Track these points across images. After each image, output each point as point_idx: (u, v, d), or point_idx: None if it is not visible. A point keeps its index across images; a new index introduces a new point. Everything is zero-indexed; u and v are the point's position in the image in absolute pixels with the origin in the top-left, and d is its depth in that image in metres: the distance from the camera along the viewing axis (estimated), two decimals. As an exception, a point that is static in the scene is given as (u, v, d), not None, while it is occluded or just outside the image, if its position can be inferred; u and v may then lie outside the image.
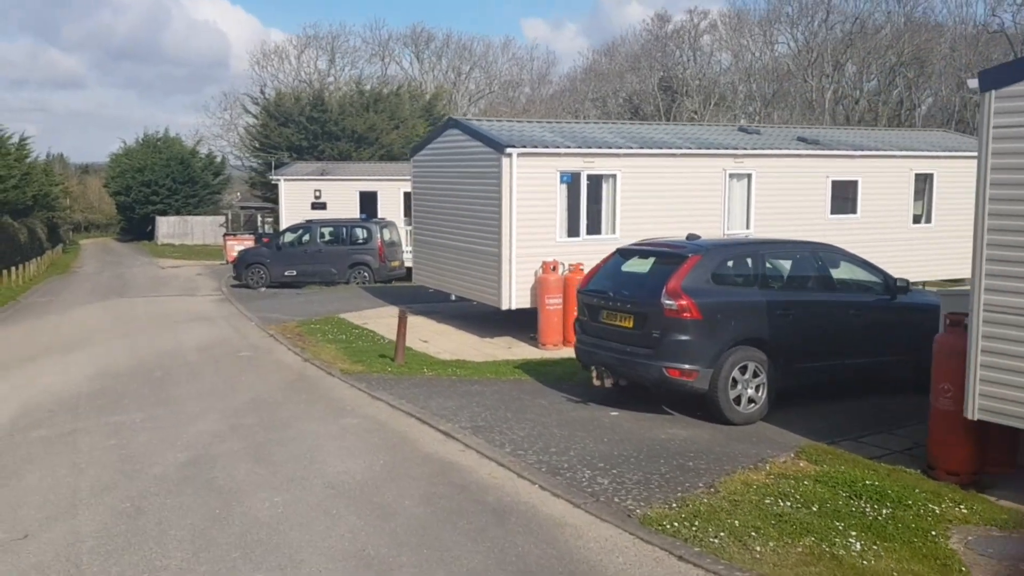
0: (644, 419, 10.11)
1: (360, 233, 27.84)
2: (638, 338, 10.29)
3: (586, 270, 16.26)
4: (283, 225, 33.51)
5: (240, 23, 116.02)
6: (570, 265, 16.29)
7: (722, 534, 5.97)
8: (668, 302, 9.98)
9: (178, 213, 57.72)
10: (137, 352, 15.71)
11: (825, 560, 5.58)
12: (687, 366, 9.94)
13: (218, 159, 64.09)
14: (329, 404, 10.91)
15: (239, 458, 8.34)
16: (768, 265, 10.83)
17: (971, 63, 57.43)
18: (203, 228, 56.21)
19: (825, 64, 61.63)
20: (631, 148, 17.19)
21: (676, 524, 6.18)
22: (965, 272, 20.12)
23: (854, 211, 19.71)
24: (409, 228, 31.18)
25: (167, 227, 56.19)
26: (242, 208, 59.20)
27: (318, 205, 33.61)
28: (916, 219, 20.64)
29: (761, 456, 8.52)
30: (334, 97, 53.44)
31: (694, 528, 6.10)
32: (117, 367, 14.15)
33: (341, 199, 33.32)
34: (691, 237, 11.31)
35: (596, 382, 10.77)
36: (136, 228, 59.51)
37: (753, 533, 5.99)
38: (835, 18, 63.43)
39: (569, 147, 16.58)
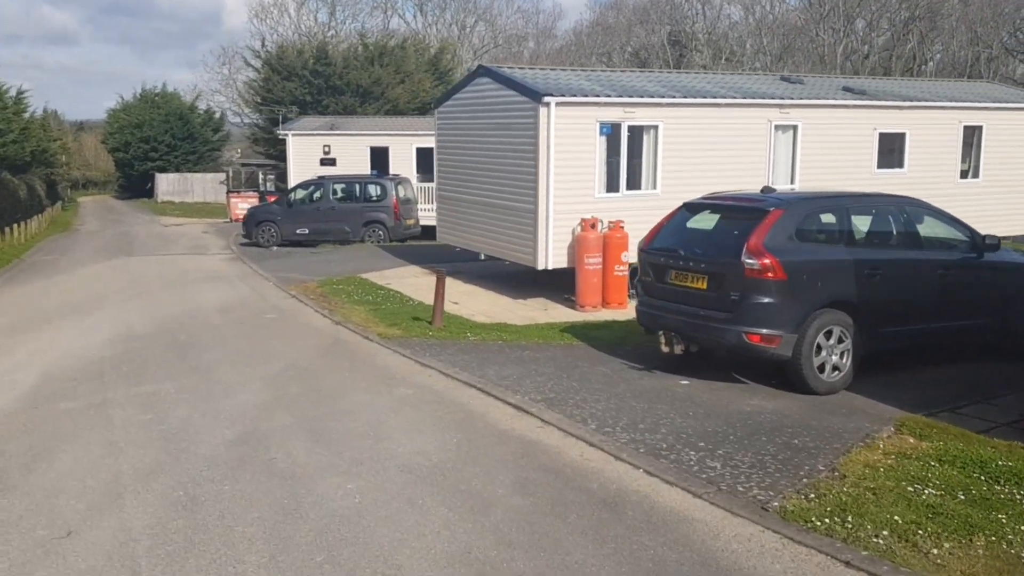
0: (719, 389, 9.30)
1: (374, 190, 26.85)
2: (713, 300, 9.43)
3: (627, 228, 15.40)
4: (291, 182, 32.48)
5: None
6: (610, 222, 15.40)
7: (884, 532, 5.15)
8: (750, 261, 9.10)
9: (178, 170, 56.48)
10: (156, 313, 14.83)
11: (1021, 566, 4.78)
12: (769, 331, 9.09)
13: (217, 115, 62.63)
14: (375, 372, 10.06)
15: (294, 435, 7.49)
16: (853, 220, 9.92)
17: (985, 17, 56.18)
18: (203, 186, 55.05)
19: (836, 18, 60.16)
20: (674, 97, 16.20)
21: (826, 520, 5.36)
22: (1014, 229, 19.29)
23: (901, 165, 18.78)
24: (423, 185, 30.29)
25: (167, 184, 55.00)
26: (243, 165, 58.01)
27: (327, 161, 32.55)
28: (963, 174, 19.71)
29: (862, 431, 7.73)
30: (338, 50, 51.96)
31: (848, 525, 5.29)
32: (137, 330, 13.28)
33: (351, 155, 32.26)
34: (766, 190, 10.40)
35: (665, 348, 9.92)
36: (135, 185, 58.29)
37: (919, 531, 5.18)
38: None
39: (609, 96, 15.59)
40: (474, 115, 17.57)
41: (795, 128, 17.39)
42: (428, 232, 28.76)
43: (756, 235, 9.25)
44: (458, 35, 70.10)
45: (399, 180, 27.27)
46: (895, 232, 10.20)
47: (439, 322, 13.01)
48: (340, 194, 26.93)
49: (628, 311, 14.77)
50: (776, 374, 9.57)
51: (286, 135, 33.12)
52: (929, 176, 18.86)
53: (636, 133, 16.04)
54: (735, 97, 16.75)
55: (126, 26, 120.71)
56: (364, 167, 31.45)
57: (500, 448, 6.99)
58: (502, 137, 16.48)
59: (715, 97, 16.62)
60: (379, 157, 32.13)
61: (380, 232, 26.38)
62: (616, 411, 8.10)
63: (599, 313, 14.85)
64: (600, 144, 15.73)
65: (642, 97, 15.92)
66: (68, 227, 37.59)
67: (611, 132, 15.79)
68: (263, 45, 54.84)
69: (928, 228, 10.48)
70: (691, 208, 10.63)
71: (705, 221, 10.39)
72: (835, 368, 9.37)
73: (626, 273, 15.36)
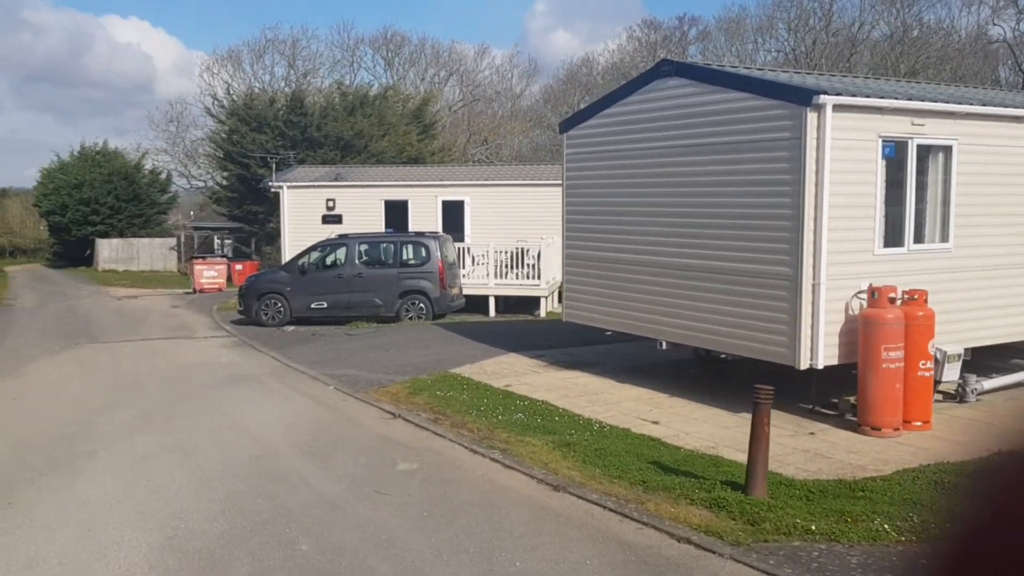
0: None
1: (412, 251, 20.71)
2: None
3: (931, 300, 9.71)
4: (286, 243, 26.17)
5: (163, 46, 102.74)
6: (905, 293, 9.67)
7: None
8: None
9: (121, 235, 49.07)
10: (201, 469, 8.31)
11: None
12: None
13: (163, 175, 55.40)
14: None
15: None
16: None
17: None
18: (151, 252, 47.88)
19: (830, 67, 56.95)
20: (971, 104, 10.70)
21: None
22: None
23: None
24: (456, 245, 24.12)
25: (109, 251, 47.66)
26: (195, 229, 51.25)
27: (331, 218, 26.33)
28: None
29: None
30: (314, 100, 45.98)
31: None
32: (192, 521, 6.85)
33: (360, 210, 26.07)
34: None
35: None
36: (72, 252, 50.56)
37: None
38: (835, 25, 58.91)
39: (896, 98, 10.02)
40: (652, 133, 11.76)
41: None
42: (471, 304, 22.64)
43: None
44: (429, 88, 64.77)
45: (442, 239, 21.16)
46: None
47: (762, 490, 6.95)
48: (367, 257, 20.75)
49: (941, 435, 9.14)
50: None
51: (279, 188, 26.82)
52: None
53: (922, 157, 10.47)
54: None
55: (50, 94, 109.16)
56: (377, 224, 25.34)
57: None
58: (717, 164, 10.70)
59: (1017, 108, 11.18)
60: (396, 213, 26.04)
61: (422, 305, 20.16)
62: None
63: (902, 438, 9.08)
64: (880, 172, 10.09)
65: (935, 102, 10.38)
66: (-2, 302, 30.10)
67: (893, 155, 10.17)
68: (229, 93, 48.47)
69: None
70: None
71: None
72: None
73: (932, 374, 9.64)
